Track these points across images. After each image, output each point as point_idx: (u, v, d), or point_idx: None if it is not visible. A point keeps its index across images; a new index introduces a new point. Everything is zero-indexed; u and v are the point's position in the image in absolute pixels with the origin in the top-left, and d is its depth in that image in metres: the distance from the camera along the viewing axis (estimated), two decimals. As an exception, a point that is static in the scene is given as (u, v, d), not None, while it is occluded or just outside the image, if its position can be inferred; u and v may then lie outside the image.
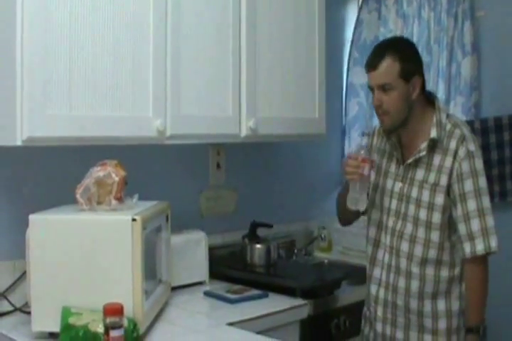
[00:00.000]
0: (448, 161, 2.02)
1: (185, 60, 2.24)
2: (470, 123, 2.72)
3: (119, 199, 1.95)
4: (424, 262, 2.06)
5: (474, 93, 3.01)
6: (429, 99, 2.11)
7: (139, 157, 2.44)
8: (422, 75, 2.08)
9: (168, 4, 2.18)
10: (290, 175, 3.19)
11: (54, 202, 2.03)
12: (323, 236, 3.23)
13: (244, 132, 2.46)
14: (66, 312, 1.79)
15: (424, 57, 2.79)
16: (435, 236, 2.05)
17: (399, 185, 2.12)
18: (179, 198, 2.57)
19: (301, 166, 3.24)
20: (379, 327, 2.18)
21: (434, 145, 2.05)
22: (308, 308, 2.32)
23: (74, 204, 1.95)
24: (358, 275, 2.54)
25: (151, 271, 2.03)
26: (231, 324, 2.06)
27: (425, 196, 2.05)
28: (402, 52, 2.04)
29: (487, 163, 2.10)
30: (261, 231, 2.73)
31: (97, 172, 1.95)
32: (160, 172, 2.62)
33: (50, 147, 2.01)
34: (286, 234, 3.08)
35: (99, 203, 1.93)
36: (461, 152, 2.01)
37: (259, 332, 2.05)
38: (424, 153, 2.05)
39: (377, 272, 2.18)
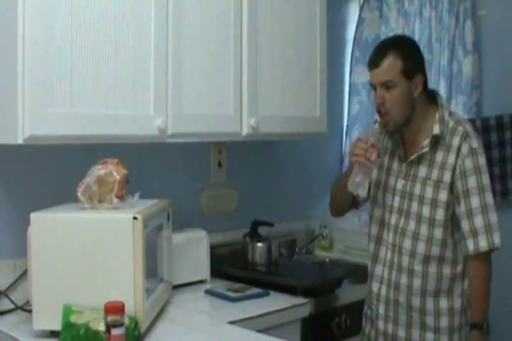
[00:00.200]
0: (451, 158, 2.02)
1: (186, 59, 2.24)
2: (471, 121, 2.68)
3: (121, 198, 1.95)
4: (426, 259, 2.06)
5: (475, 92, 3.01)
6: (431, 97, 2.11)
7: (140, 155, 2.44)
8: (424, 73, 2.08)
9: (170, 3, 2.18)
10: (291, 173, 3.18)
11: (55, 201, 2.03)
12: (324, 234, 3.22)
13: (245, 130, 2.46)
14: (67, 311, 1.79)
15: (426, 56, 2.76)
16: (438, 233, 2.05)
17: (401, 182, 2.12)
18: (180, 196, 2.57)
19: (302, 165, 3.23)
20: (381, 325, 2.18)
21: (436, 142, 2.05)
22: (310, 307, 2.32)
23: (75, 202, 1.95)
24: (359, 273, 2.55)
25: (152, 270, 2.03)
26: (232, 322, 2.06)
27: (428, 193, 2.05)
28: (405, 50, 2.04)
29: (488, 162, 2.09)
30: (262, 230, 2.73)
31: (99, 170, 1.95)
32: (161, 171, 2.62)
33: (52, 145, 2.01)
34: (287, 233, 3.08)
35: (100, 201, 1.93)
36: (464, 149, 2.01)
37: (260, 331, 2.05)
38: (426, 149, 2.05)
39: (379, 270, 2.18)
